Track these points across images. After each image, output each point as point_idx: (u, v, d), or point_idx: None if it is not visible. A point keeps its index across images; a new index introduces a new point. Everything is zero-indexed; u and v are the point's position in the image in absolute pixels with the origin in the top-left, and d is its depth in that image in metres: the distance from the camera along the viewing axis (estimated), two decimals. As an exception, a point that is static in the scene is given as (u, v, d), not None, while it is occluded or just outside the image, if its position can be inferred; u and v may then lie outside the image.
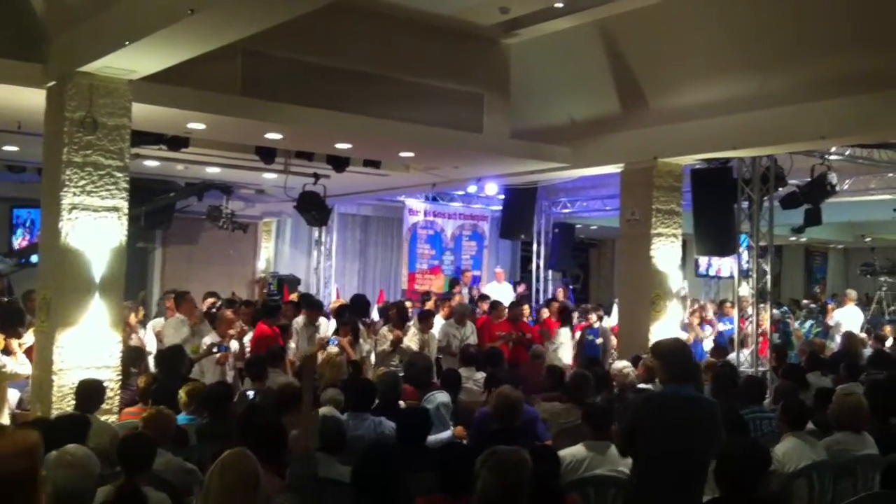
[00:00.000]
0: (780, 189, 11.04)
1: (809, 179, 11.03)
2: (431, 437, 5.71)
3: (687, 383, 4.69)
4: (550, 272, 17.38)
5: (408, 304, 12.31)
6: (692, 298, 16.24)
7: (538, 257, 17.20)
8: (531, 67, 10.20)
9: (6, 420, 7.08)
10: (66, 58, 7.00)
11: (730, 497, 3.99)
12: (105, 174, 7.12)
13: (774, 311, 16.36)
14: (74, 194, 6.98)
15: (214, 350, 8.75)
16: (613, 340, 11.92)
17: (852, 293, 14.98)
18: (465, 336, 10.58)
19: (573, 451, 5.28)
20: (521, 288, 16.25)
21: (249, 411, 5.37)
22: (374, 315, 12.09)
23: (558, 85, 10.51)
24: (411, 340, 9.96)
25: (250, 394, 7.01)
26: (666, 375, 4.82)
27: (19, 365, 7.75)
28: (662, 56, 9.43)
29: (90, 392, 6.20)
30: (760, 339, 10.74)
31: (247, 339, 9.52)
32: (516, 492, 3.50)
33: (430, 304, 12.39)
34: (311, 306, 10.35)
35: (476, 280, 17.01)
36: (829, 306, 15.92)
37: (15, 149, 10.76)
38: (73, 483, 3.47)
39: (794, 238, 19.98)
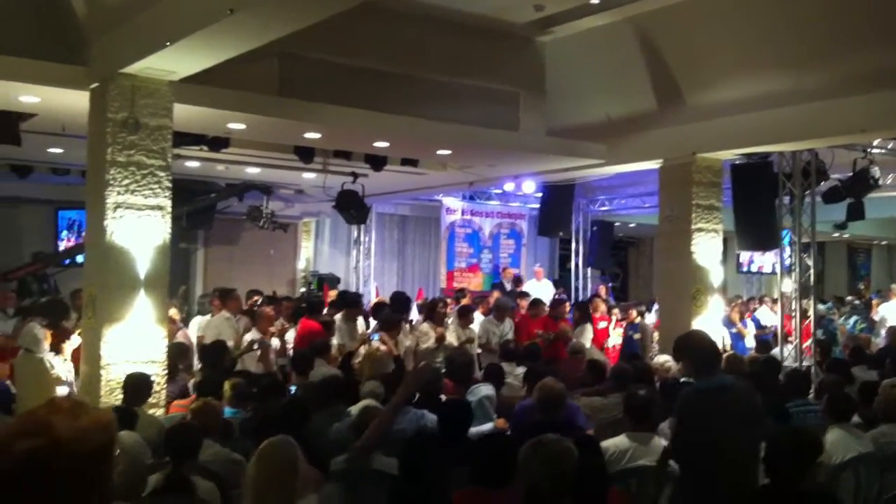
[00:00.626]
0: (822, 183, 10.93)
1: (851, 174, 10.91)
2: (473, 430, 5.72)
3: (716, 373, 4.70)
4: (589, 270, 17.33)
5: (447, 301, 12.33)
6: (735, 294, 16.13)
7: (577, 255, 17.16)
8: (566, 65, 10.18)
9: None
10: (108, 59, 7.12)
11: (778, 486, 3.95)
12: (148, 173, 7.23)
13: (819, 306, 16.23)
14: (119, 193, 7.09)
15: (255, 347, 8.86)
16: (655, 335, 11.85)
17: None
18: (504, 332, 10.60)
19: (616, 442, 5.29)
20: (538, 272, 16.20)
21: (289, 405, 5.42)
22: (414, 312, 12.12)
23: (594, 82, 10.48)
24: (451, 336, 9.99)
25: (292, 389, 7.09)
26: (694, 369, 4.81)
27: (65, 369, 7.89)
28: (698, 52, 9.37)
29: (137, 386, 6.31)
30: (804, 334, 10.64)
31: (289, 335, 9.62)
32: (565, 481, 3.51)
33: (465, 301, 12.39)
34: (349, 304, 10.45)
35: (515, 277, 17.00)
36: (874, 301, 15.70)
37: (59, 151, 10.96)
38: (117, 474, 3.51)
39: (836, 234, 19.75)
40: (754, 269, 18.29)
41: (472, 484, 4.11)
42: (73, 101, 7.56)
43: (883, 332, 12.95)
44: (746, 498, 4.04)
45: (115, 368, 6.98)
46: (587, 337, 11.11)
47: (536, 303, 11.64)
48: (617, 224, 18.08)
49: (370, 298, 14.38)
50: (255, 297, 12.10)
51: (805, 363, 10.30)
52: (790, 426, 5.08)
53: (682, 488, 4.64)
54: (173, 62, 6.76)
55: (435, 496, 3.64)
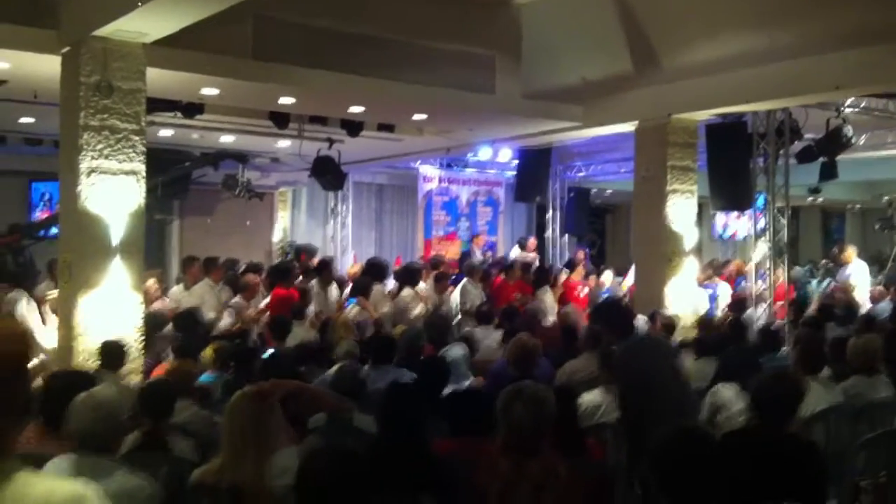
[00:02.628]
0: (796, 143, 11.02)
1: (824, 133, 10.99)
2: (451, 388, 5.77)
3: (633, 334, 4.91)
4: (566, 237, 17.38)
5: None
6: (711, 259, 16.19)
7: (554, 223, 17.19)
8: (542, 28, 10.15)
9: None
10: (80, 22, 7.04)
11: (764, 426, 4.00)
12: (122, 138, 7.17)
13: (797, 268, 16.31)
14: (92, 158, 7.04)
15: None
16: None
17: (852, 248, 14.92)
18: (481, 295, 10.66)
19: (590, 397, 5.36)
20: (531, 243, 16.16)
21: (268, 364, 5.45)
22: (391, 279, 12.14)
23: (570, 45, 10.44)
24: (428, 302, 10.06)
25: (269, 351, 7.11)
26: (617, 333, 5.01)
27: (47, 339, 7.82)
28: (674, 12, 9.36)
29: (112, 352, 6.30)
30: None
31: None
32: (548, 424, 3.56)
33: (441, 268, 12.41)
34: (320, 270, 10.55)
35: (491, 245, 17.02)
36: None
37: (31, 121, 10.85)
38: (95, 425, 3.51)
39: (810, 199, 19.88)
40: (728, 234, 18.42)
41: (452, 434, 4.16)
42: (45, 67, 7.47)
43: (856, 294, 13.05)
44: (733, 436, 4.13)
45: (90, 335, 6.95)
46: (548, 300, 11.14)
47: (510, 266, 11.69)
48: (594, 191, 18.12)
49: (347, 268, 14.38)
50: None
51: (778, 324, 10.44)
52: (774, 370, 5.14)
53: (632, 436, 4.79)
54: (145, 24, 6.69)
55: (413, 445, 3.68)
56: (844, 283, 12.72)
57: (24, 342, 1.90)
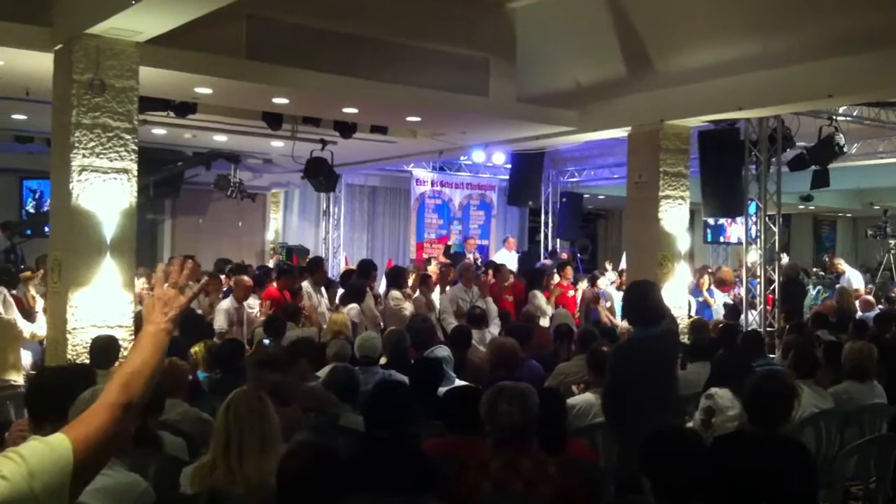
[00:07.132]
0: (788, 151, 11.05)
1: (817, 141, 11.04)
2: (442, 389, 5.75)
3: (651, 325, 4.80)
4: (559, 242, 17.41)
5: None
6: (703, 265, 16.23)
7: (546, 227, 17.23)
8: (537, 31, 10.17)
9: (21, 380, 7.15)
10: (73, 20, 7.02)
11: (758, 429, 3.99)
12: (114, 136, 7.13)
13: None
14: (84, 156, 7.00)
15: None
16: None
17: (841, 260, 15.10)
18: (474, 299, 10.62)
19: (582, 398, 5.37)
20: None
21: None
22: (381, 281, 12.12)
23: (564, 49, 10.46)
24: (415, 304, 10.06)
25: (266, 342, 7.09)
26: (631, 320, 4.98)
27: (39, 328, 7.77)
28: (668, 18, 9.38)
29: (103, 348, 6.24)
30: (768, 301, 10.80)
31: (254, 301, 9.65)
32: (534, 419, 3.56)
33: (431, 269, 12.40)
34: (312, 269, 10.53)
35: (483, 249, 17.03)
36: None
37: (22, 117, 10.81)
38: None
39: (802, 206, 20.00)
40: (721, 238, 18.47)
41: (450, 431, 4.15)
42: (38, 64, 7.44)
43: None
44: (726, 438, 4.12)
45: (81, 333, 6.92)
46: (540, 303, 11.13)
47: (498, 268, 11.68)
48: (586, 196, 18.17)
49: (339, 269, 14.37)
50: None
51: (769, 329, 10.47)
52: (767, 372, 5.13)
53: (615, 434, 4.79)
54: (139, 22, 6.66)
55: (402, 443, 3.66)
56: (848, 288, 12.82)
57: None
